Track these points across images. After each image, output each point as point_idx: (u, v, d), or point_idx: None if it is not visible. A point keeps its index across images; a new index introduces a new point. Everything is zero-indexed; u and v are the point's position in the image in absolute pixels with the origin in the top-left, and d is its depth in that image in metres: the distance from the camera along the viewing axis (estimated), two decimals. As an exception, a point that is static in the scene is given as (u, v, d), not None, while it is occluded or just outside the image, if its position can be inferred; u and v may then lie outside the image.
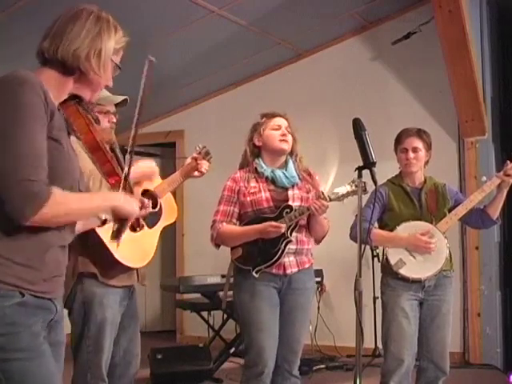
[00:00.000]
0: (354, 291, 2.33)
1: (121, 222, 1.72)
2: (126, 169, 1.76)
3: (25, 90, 1.47)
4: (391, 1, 5.30)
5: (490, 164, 5.11)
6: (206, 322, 5.13)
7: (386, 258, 3.18)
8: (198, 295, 5.04)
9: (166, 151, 6.87)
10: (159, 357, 4.39)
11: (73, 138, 1.71)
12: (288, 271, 2.92)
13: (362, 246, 2.42)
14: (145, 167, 2.66)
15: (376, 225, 3.27)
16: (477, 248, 5.09)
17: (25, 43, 4.18)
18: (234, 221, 2.99)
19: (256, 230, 2.86)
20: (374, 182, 2.40)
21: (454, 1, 4.03)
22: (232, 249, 2.98)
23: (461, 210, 3.18)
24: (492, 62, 5.29)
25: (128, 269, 2.55)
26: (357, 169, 2.41)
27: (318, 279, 5.14)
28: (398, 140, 3.28)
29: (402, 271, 3.12)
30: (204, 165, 2.92)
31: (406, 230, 3.16)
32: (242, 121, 6.11)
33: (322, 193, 2.88)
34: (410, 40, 5.21)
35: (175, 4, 4.40)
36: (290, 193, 2.97)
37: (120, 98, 2.65)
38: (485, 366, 4.93)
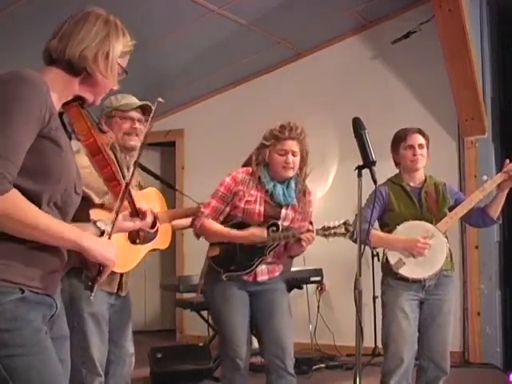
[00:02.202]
0: (353, 290, 2.33)
1: (96, 269, 1.63)
2: (128, 176, 1.74)
3: (24, 86, 1.47)
4: (391, 0, 5.29)
5: (490, 163, 5.11)
6: (206, 321, 5.12)
7: (386, 258, 3.17)
8: (198, 294, 5.03)
9: (165, 153, 6.88)
10: (159, 356, 4.39)
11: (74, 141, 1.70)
12: (259, 278, 2.98)
13: (362, 246, 2.42)
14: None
15: (376, 224, 3.27)
16: (476, 247, 5.09)
17: (21, 43, 4.19)
18: (221, 218, 3.01)
19: (240, 236, 2.91)
20: (374, 181, 2.39)
21: (454, 0, 4.03)
22: (210, 245, 3.03)
23: (461, 210, 3.17)
24: (492, 61, 5.29)
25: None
26: (357, 168, 2.40)
27: (318, 278, 5.15)
28: (402, 138, 3.24)
29: (402, 271, 3.12)
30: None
31: (406, 229, 3.15)
32: (241, 120, 6.15)
33: (311, 223, 2.92)
34: (410, 39, 5.21)
35: (175, 3, 4.40)
36: (283, 211, 3.00)
37: (138, 103, 2.67)
38: (485, 365, 4.93)
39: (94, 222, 1.75)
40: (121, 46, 1.67)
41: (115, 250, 1.65)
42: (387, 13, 5.49)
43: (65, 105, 1.66)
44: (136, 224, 1.87)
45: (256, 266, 2.94)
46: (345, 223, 2.86)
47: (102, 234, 1.80)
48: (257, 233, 2.88)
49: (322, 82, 5.81)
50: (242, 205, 2.95)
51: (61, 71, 1.61)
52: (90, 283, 1.65)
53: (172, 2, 4.37)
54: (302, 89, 5.85)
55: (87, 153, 1.72)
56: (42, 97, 1.49)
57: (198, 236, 3.05)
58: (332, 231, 2.87)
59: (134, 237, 2.04)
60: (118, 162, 1.76)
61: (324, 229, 2.88)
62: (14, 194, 1.43)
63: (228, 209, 3.00)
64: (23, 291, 1.47)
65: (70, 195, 1.59)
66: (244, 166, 3.10)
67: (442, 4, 4.11)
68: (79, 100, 1.68)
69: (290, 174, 2.99)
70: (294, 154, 2.97)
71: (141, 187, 2.78)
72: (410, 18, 5.29)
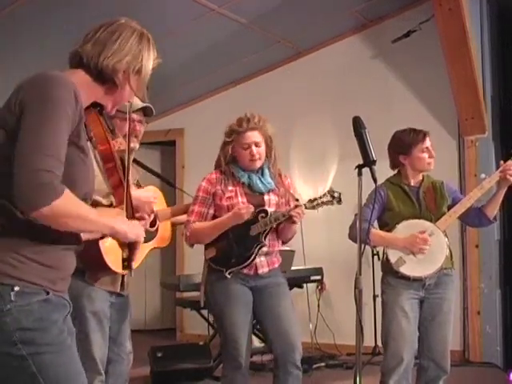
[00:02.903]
0: (354, 289, 2.33)
1: (128, 248, 1.73)
2: (125, 183, 1.77)
3: (57, 87, 1.49)
4: (391, -1, 5.30)
5: (490, 162, 5.11)
6: (206, 319, 5.13)
7: (387, 257, 3.18)
8: (197, 293, 5.01)
9: (165, 152, 6.88)
10: (159, 355, 4.39)
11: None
12: (260, 271, 2.99)
13: (362, 245, 2.42)
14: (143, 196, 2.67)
15: (376, 224, 3.27)
16: (477, 246, 5.09)
17: (21, 43, 4.19)
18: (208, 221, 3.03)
19: (227, 218, 2.90)
20: (374, 180, 2.39)
21: (454, -1, 4.03)
22: (206, 248, 3.05)
23: (460, 208, 3.17)
24: (492, 59, 5.29)
25: (110, 272, 2.54)
26: (357, 167, 2.40)
27: (318, 277, 5.15)
28: (419, 140, 3.19)
29: (403, 270, 3.12)
30: None
31: (405, 228, 3.14)
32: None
33: (297, 200, 2.96)
34: (410, 38, 5.21)
35: (175, 2, 4.40)
36: (266, 198, 3.03)
37: (139, 105, 2.67)
38: (485, 364, 4.93)
39: None
40: (151, 63, 1.72)
41: (141, 227, 1.75)
42: (387, 12, 5.49)
43: (84, 110, 1.66)
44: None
45: (256, 255, 2.93)
46: (329, 191, 2.90)
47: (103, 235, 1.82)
48: (242, 208, 2.86)
49: (322, 82, 5.81)
50: (225, 202, 2.98)
51: (88, 77, 1.64)
52: (125, 263, 1.74)
53: (173, 1, 4.37)
54: (302, 88, 5.85)
55: (100, 159, 1.74)
56: (73, 97, 1.51)
57: (191, 245, 3.10)
58: (319, 201, 2.90)
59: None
60: (124, 169, 1.79)
61: (311, 201, 2.91)
62: (67, 191, 1.46)
63: (211, 211, 3.02)
64: (48, 293, 1.53)
65: (87, 201, 1.62)
66: (215, 167, 3.12)
67: (442, 3, 4.11)
68: (97, 106, 1.71)
69: (258, 164, 3.02)
70: (257, 145, 3.00)
71: (139, 185, 2.77)
72: (410, 17, 5.29)
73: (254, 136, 3.00)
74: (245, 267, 2.94)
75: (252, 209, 2.88)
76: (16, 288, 1.46)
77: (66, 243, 1.59)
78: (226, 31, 5.05)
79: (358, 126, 2.41)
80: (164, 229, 2.85)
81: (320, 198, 2.92)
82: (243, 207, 2.86)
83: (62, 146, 1.47)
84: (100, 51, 1.63)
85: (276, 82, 5.99)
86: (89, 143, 1.71)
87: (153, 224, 2.66)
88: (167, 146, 6.77)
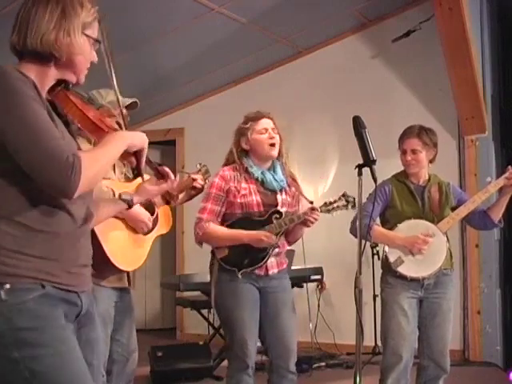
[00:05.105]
0: (354, 289, 2.33)
1: (136, 156, 1.66)
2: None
3: (14, 79, 1.44)
4: (391, -2, 5.30)
5: (490, 162, 5.11)
6: (206, 319, 5.13)
7: (386, 256, 3.18)
8: (197, 293, 5.04)
9: (165, 152, 6.89)
10: (159, 354, 4.40)
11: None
12: (270, 272, 2.96)
13: (363, 244, 2.42)
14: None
15: (378, 221, 3.27)
16: (477, 246, 5.09)
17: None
18: (219, 220, 2.97)
19: (247, 236, 2.86)
20: (374, 179, 2.39)
21: (454, -2, 4.03)
22: (217, 248, 2.97)
23: (463, 211, 3.17)
24: (492, 59, 5.29)
25: (118, 271, 2.54)
26: (357, 166, 2.40)
27: (318, 277, 5.15)
28: (400, 140, 3.27)
29: (401, 269, 3.12)
30: (199, 180, 2.91)
31: (406, 228, 3.15)
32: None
33: (312, 203, 2.92)
34: (411, 38, 5.21)
35: (175, 2, 4.40)
36: (279, 197, 2.98)
37: (128, 101, 2.65)
38: (485, 363, 4.93)
39: (120, 196, 1.78)
40: (82, 18, 1.57)
41: (141, 134, 1.68)
42: (387, 11, 5.49)
43: (50, 92, 1.61)
44: (162, 187, 1.86)
45: (269, 256, 2.90)
46: (344, 195, 2.90)
47: (130, 206, 1.84)
48: (264, 238, 2.82)
49: (322, 81, 5.81)
50: (239, 200, 2.92)
51: (32, 63, 1.55)
52: (136, 172, 1.72)
53: (172, 0, 4.37)
54: (302, 87, 5.85)
55: (88, 134, 1.69)
56: (31, 87, 1.46)
57: (200, 244, 3.02)
58: (334, 205, 2.89)
59: (168, 198, 2.01)
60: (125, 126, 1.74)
61: (326, 205, 2.90)
62: (83, 157, 1.44)
63: (224, 209, 2.96)
64: (44, 287, 1.44)
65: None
66: (227, 163, 3.07)
67: (442, 2, 4.10)
68: (62, 83, 1.62)
69: (276, 152, 2.98)
70: (274, 131, 2.99)
71: (128, 178, 2.74)
72: (410, 17, 5.29)
73: (271, 123, 3.01)
74: (258, 268, 2.91)
75: (273, 242, 2.85)
76: (6, 286, 1.39)
77: (59, 228, 1.50)
78: (225, 31, 5.05)
79: (358, 125, 2.41)
80: (164, 214, 2.84)
81: (335, 201, 2.89)
82: (268, 236, 2.82)
83: (51, 123, 1.45)
84: (25, 34, 1.52)
85: (276, 81, 5.98)
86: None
87: (151, 213, 2.66)
88: (167, 146, 6.77)
